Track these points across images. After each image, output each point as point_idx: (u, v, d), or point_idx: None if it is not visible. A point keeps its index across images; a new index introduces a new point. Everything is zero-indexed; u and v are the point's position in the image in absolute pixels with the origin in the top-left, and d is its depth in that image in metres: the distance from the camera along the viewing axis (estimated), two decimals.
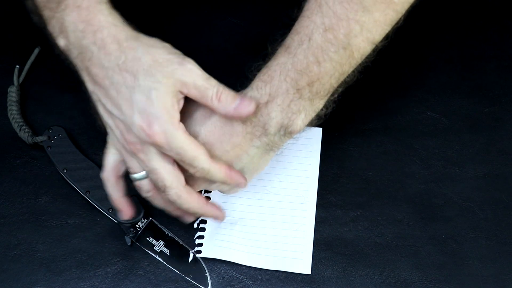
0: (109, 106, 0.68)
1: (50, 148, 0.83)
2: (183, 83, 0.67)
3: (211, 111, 0.70)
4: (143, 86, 0.66)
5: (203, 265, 0.78)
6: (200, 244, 0.79)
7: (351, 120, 0.86)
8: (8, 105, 0.86)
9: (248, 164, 0.74)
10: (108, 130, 0.72)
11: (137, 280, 0.77)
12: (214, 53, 0.91)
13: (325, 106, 0.73)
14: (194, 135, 0.70)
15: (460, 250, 0.78)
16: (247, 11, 0.95)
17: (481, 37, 0.93)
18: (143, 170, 0.71)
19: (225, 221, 0.80)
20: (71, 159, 0.82)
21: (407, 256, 0.78)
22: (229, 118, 0.70)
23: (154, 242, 0.79)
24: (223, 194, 0.81)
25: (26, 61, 0.88)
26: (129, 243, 0.79)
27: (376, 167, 0.83)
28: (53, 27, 0.68)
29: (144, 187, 0.73)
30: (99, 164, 0.82)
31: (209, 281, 0.77)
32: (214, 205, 0.77)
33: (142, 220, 0.79)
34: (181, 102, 0.68)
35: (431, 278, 0.77)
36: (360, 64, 0.72)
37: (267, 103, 0.70)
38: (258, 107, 0.70)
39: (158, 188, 0.71)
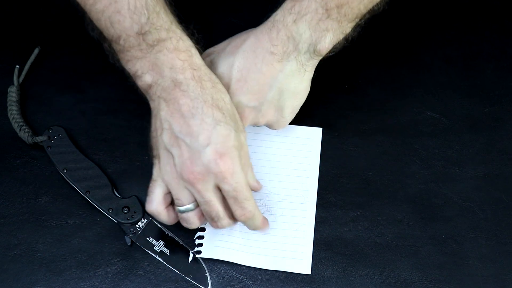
0: (182, 134, 0.72)
1: (50, 148, 0.83)
2: (243, 144, 0.75)
3: (242, 41, 0.77)
4: (228, 124, 0.72)
5: (203, 265, 0.78)
6: (200, 245, 0.79)
7: (351, 120, 0.86)
8: (8, 105, 0.86)
9: (285, 85, 0.77)
10: (162, 161, 0.75)
11: (137, 280, 0.77)
12: None
13: (352, 30, 0.76)
14: (229, 66, 0.77)
15: (460, 250, 0.78)
16: (247, 11, 0.95)
17: (481, 37, 0.93)
18: (191, 202, 0.75)
19: None
20: (71, 159, 0.82)
21: (407, 256, 0.78)
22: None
23: (154, 242, 0.79)
24: None
25: (26, 61, 0.88)
26: (129, 243, 0.79)
27: (376, 167, 0.83)
28: (140, 65, 0.72)
29: (191, 219, 0.76)
30: (99, 164, 0.82)
31: (209, 281, 0.77)
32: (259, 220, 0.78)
33: (142, 220, 0.79)
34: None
35: (431, 278, 0.77)
36: None
37: (295, 20, 0.74)
38: (287, 25, 0.75)
39: (211, 218, 0.75)
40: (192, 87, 0.72)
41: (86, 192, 0.80)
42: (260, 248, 0.79)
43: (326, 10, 0.73)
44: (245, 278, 0.77)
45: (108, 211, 0.79)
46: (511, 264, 0.78)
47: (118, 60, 0.74)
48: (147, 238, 0.79)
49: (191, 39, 0.74)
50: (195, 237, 0.80)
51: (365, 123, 0.86)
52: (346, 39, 0.77)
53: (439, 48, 0.92)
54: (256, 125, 0.81)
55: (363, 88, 0.88)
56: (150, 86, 0.73)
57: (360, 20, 0.76)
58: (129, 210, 0.79)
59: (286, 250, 0.78)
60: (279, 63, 0.76)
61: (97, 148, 0.84)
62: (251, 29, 0.78)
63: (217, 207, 0.74)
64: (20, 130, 0.84)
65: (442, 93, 0.89)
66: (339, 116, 0.86)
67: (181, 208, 0.75)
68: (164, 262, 0.78)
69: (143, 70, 0.73)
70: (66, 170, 0.81)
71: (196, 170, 0.72)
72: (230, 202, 0.74)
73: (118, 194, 0.81)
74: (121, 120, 0.86)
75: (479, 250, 0.78)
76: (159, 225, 0.80)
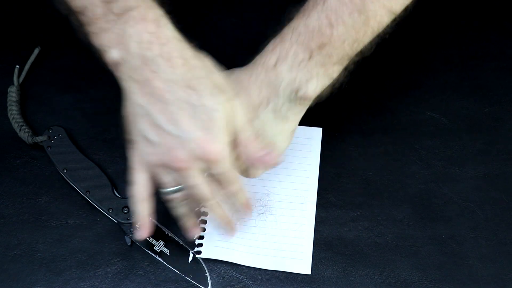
0: (162, 121, 0.67)
1: (50, 148, 0.83)
2: (234, 114, 0.69)
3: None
4: (207, 106, 0.66)
5: (203, 265, 0.78)
6: (200, 245, 0.79)
7: (351, 120, 0.86)
8: (8, 105, 0.86)
9: (260, 132, 0.73)
10: (142, 148, 0.70)
11: (137, 280, 0.77)
12: (214, 53, 0.91)
13: (340, 75, 0.72)
14: None
15: (460, 250, 0.78)
16: (247, 11, 0.95)
17: (481, 38, 0.93)
18: (178, 185, 0.71)
19: None
20: (71, 159, 0.82)
21: (407, 256, 0.78)
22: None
23: (154, 242, 0.79)
24: None
25: (26, 61, 0.88)
26: (129, 243, 0.79)
27: (376, 167, 0.83)
28: (107, 39, 0.67)
29: (178, 199, 0.73)
30: (99, 164, 0.82)
31: (209, 281, 0.77)
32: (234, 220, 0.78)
33: None
34: None
35: (431, 278, 0.77)
36: (377, 36, 0.71)
37: (276, 64, 0.70)
38: (267, 69, 0.71)
39: (198, 199, 0.72)
40: (163, 67, 0.66)
41: (86, 192, 0.80)
42: (260, 248, 0.79)
43: (308, 51, 0.69)
44: (245, 278, 0.77)
45: (108, 211, 0.79)
46: (511, 264, 0.78)
47: (86, 35, 0.68)
48: (147, 238, 0.79)
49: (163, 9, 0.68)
50: (195, 237, 0.80)
51: (365, 123, 0.86)
52: (333, 84, 0.72)
53: (439, 48, 0.92)
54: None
55: (363, 88, 0.88)
56: (118, 64, 0.67)
57: (348, 63, 0.72)
58: (129, 210, 0.79)
59: (286, 250, 0.79)
60: (255, 108, 0.72)
61: (97, 148, 0.85)
62: (237, 68, 0.74)
63: (205, 189, 0.70)
64: (20, 130, 0.84)
65: (442, 93, 0.89)
66: (339, 116, 0.86)
67: (170, 190, 0.71)
68: (164, 262, 0.78)
69: (110, 44, 0.67)
70: (66, 170, 0.81)
71: (183, 158, 0.67)
72: (218, 182, 0.71)
73: (118, 194, 0.81)
74: (121, 120, 0.86)
75: (479, 250, 0.78)
76: (159, 225, 0.80)
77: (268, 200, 0.81)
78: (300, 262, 0.78)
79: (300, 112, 0.73)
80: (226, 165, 0.69)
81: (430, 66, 0.91)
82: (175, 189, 0.72)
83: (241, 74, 0.73)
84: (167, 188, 0.72)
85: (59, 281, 0.77)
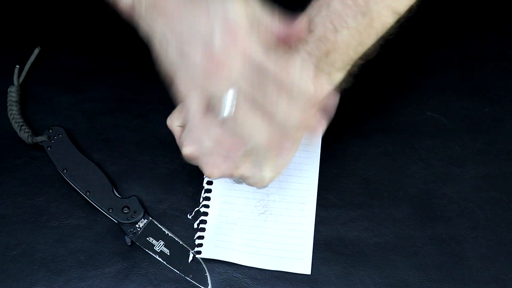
0: (183, 34, 0.62)
1: (50, 148, 0.83)
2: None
3: None
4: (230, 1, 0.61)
5: (203, 265, 0.78)
6: (200, 245, 0.79)
7: (351, 120, 0.86)
8: (8, 105, 0.86)
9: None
10: (180, 77, 0.64)
11: (137, 280, 0.77)
12: None
13: (344, 80, 0.70)
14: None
15: (460, 250, 0.78)
16: None
17: (481, 38, 0.93)
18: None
19: (225, 221, 0.80)
20: (71, 159, 0.82)
21: (407, 256, 0.78)
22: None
23: (154, 242, 0.79)
24: (223, 194, 0.81)
25: (26, 61, 0.88)
26: (129, 243, 0.79)
27: (376, 167, 0.83)
28: None
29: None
30: (99, 164, 0.82)
31: (209, 281, 0.77)
32: None
33: (142, 220, 0.79)
34: None
35: (431, 278, 0.77)
36: (382, 37, 0.70)
37: None
38: None
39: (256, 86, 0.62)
40: None
41: (86, 192, 0.80)
42: (260, 248, 0.79)
43: (315, 60, 0.67)
44: (245, 278, 0.77)
45: (108, 211, 0.79)
46: (511, 264, 0.78)
47: None
48: (147, 238, 0.79)
49: None
50: (195, 237, 0.80)
51: (365, 123, 0.86)
52: (336, 89, 0.70)
53: (439, 49, 0.92)
54: (230, 177, 0.70)
55: (364, 88, 0.88)
56: (132, 5, 0.65)
57: (352, 67, 0.70)
58: (129, 210, 0.79)
59: (286, 250, 0.79)
60: None
61: (97, 148, 0.85)
62: None
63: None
64: (20, 130, 0.84)
65: (442, 93, 0.89)
66: (339, 116, 0.86)
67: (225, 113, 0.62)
68: (164, 262, 0.78)
69: None
70: (66, 170, 0.81)
71: (214, 59, 0.60)
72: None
73: (118, 194, 0.81)
74: (121, 120, 0.86)
75: (479, 250, 0.78)
76: (159, 225, 0.80)
77: (268, 200, 0.81)
78: (300, 262, 0.78)
79: None
80: (258, 49, 0.62)
81: (430, 67, 0.91)
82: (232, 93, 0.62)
83: None
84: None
85: (59, 281, 0.77)
